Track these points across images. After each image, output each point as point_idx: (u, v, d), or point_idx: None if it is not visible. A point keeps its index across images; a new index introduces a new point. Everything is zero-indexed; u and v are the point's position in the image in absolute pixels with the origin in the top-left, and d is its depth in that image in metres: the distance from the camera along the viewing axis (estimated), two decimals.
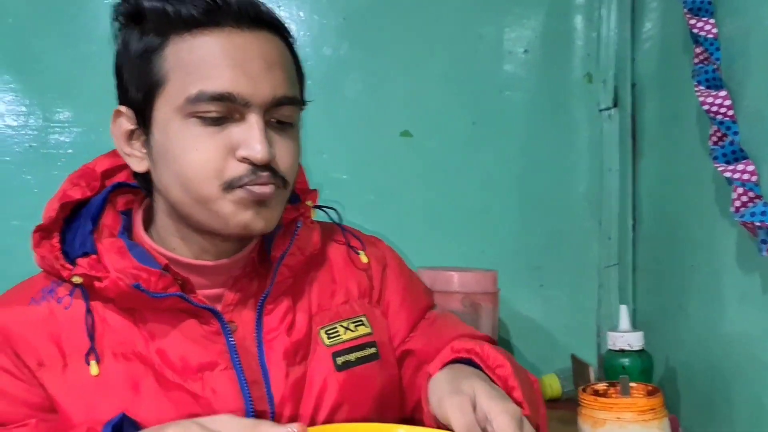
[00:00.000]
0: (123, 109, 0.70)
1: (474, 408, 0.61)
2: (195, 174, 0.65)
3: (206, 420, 0.55)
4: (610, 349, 0.97)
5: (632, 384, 0.82)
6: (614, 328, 1.02)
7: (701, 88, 0.94)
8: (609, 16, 1.35)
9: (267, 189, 0.66)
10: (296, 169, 0.73)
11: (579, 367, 1.24)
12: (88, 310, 0.68)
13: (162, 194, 0.71)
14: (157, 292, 0.67)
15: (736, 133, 0.89)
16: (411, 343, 0.82)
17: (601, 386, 0.89)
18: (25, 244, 1.22)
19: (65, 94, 1.27)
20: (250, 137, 0.65)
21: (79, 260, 0.68)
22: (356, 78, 1.34)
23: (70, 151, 1.28)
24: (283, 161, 0.69)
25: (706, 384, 0.99)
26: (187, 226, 0.70)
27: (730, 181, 0.87)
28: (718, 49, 0.95)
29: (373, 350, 0.78)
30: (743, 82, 0.90)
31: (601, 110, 1.38)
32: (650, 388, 0.85)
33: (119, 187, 0.76)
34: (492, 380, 0.68)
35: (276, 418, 0.70)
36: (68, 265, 0.68)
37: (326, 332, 0.76)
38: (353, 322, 0.78)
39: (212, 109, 0.65)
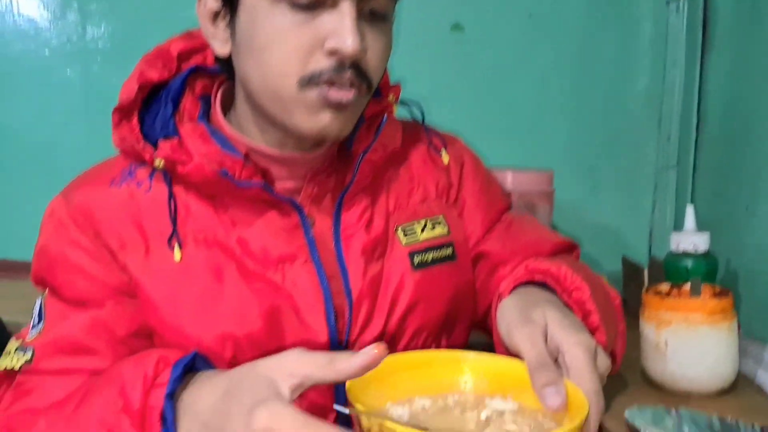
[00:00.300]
0: None
1: (546, 338, 0.58)
2: (276, 67, 0.61)
3: (276, 358, 0.50)
4: (672, 252, 0.94)
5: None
6: (677, 229, 0.98)
7: None
8: None
9: (347, 94, 0.61)
10: (383, 70, 0.67)
11: (631, 270, 1.21)
12: (171, 195, 0.66)
13: (242, 82, 0.67)
14: (241, 180, 0.65)
15: None
16: (486, 245, 0.80)
17: (664, 287, 0.87)
18: (69, 138, 1.24)
19: None
20: (341, 27, 0.59)
21: (161, 143, 0.65)
22: None
23: (109, 45, 1.25)
24: (373, 59, 0.63)
25: None
26: (264, 118, 0.67)
27: None
28: None
29: (449, 251, 0.75)
30: None
31: (668, 2, 1.29)
32: (718, 289, 0.83)
33: (195, 71, 0.72)
34: (567, 305, 0.66)
35: (354, 313, 0.68)
36: (150, 148, 0.65)
37: (403, 231, 0.74)
38: (431, 222, 0.76)
39: None
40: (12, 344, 0.67)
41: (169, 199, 0.66)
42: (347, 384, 0.50)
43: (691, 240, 0.92)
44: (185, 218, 0.66)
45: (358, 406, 0.49)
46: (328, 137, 0.65)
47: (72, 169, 0.72)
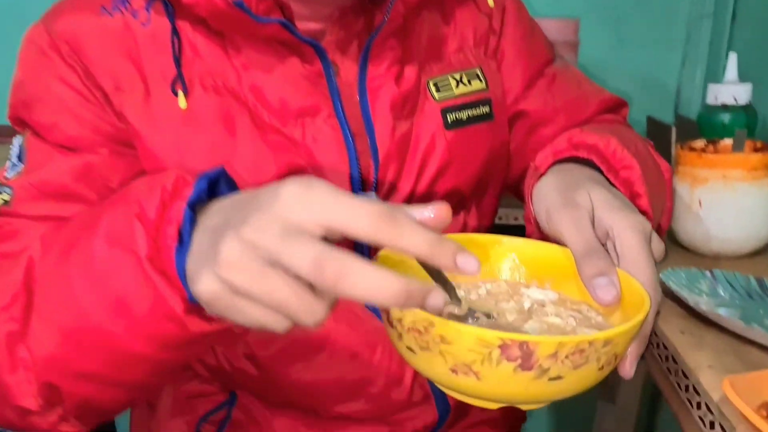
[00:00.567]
0: None
1: (593, 223, 0.49)
2: None
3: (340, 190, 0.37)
4: (709, 104, 0.86)
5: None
6: (715, 80, 0.89)
7: None
8: None
9: None
10: None
11: (658, 130, 1.14)
12: (174, 30, 0.57)
13: None
14: (259, 15, 0.54)
15: None
16: (525, 103, 0.71)
17: (699, 143, 0.80)
18: None
19: None
20: None
21: None
22: None
23: None
24: None
25: None
26: None
27: None
28: None
29: (486, 109, 0.67)
30: None
31: None
32: (759, 144, 0.75)
33: None
34: (612, 184, 0.56)
35: (380, 175, 0.61)
36: None
37: (436, 85, 0.65)
38: (467, 75, 0.66)
39: None
40: None
41: (172, 36, 0.57)
42: (379, 255, 0.44)
43: (731, 91, 0.84)
44: (191, 60, 0.57)
45: None
46: None
47: None
